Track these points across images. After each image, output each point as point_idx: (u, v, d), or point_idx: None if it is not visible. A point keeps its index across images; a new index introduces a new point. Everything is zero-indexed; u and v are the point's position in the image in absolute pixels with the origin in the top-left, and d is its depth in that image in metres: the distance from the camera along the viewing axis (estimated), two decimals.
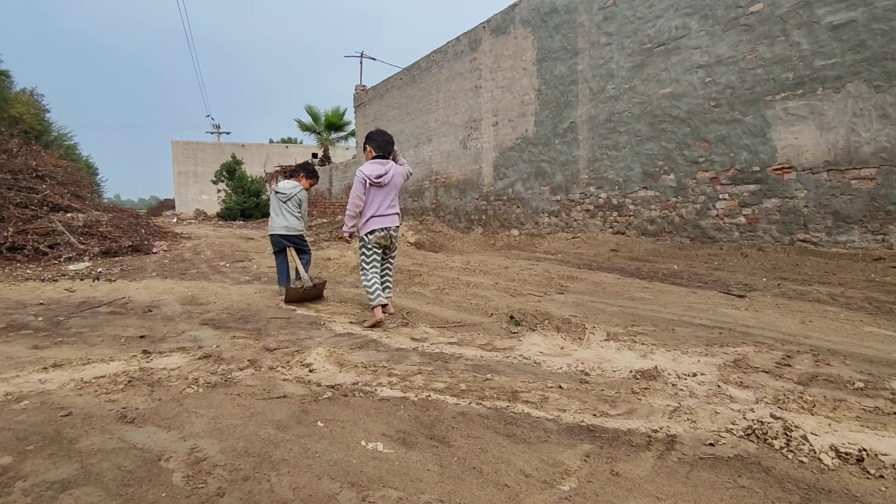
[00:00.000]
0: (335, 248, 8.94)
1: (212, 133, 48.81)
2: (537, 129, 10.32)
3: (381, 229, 4.07)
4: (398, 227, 4.24)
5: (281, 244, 5.22)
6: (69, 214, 10.21)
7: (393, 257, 4.37)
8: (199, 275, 6.84)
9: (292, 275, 5.16)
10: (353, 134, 28.05)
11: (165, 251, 10.60)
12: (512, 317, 3.79)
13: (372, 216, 4.06)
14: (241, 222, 25.81)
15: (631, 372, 2.70)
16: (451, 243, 8.89)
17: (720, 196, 7.04)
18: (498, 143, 11.53)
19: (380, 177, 4.04)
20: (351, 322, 3.97)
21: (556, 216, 10.00)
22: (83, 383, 2.69)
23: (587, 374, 2.73)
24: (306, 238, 5.55)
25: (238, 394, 2.51)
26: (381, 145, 4.18)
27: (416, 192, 15.15)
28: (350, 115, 28.60)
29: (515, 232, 10.65)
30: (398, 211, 4.24)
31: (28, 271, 7.64)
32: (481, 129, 12.10)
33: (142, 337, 3.62)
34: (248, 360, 3.02)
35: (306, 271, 5.06)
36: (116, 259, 9.15)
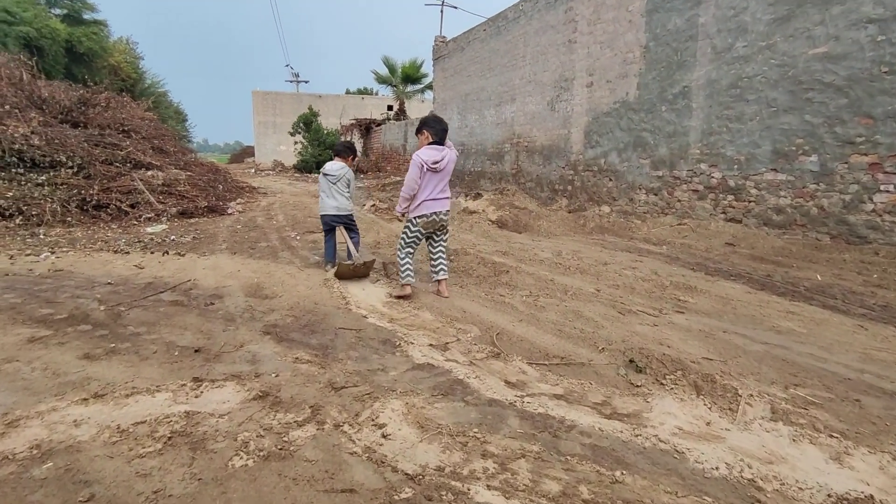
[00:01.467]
0: None
1: (291, 82, 49.34)
2: (640, 92, 9.02)
3: (432, 213, 4.25)
4: (448, 211, 4.40)
5: (331, 224, 5.41)
6: (150, 172, 10.25)
7: (445, 240, 4.55)
8: (269, 250, 6.47)
9: (344, 253, 5.39)
10: (430, 87, 27.08)
11: (240, 212, 10.47)
12: (632, 360, 3.01)
13: (424, 200, 4.24)
14: (316, 175, 25.99)
15: (830, 497, 1.89)
16: (536, 222, 8.03)
17: (881, 187, 5.70)
18: (591, 107, 10.30)
19: (436, 163, 4.20)
20: (431, 345, 3.34)
21: (655, 194, 8.83)
22: (119, 433, 2.24)
23: (760, 488, 1.95)
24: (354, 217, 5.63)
25: (294, 478, 1.95)
26: (437, 133, 4.33)
27: (496, 156, 14.20)
28: (427, 68, 27.57)
29: (606, 209, 9.58)
30: (449, 195, 4.41)
31: (109, 233, 7.65)
32: (572, 90, 10.87)
33: (196, 351, 3.18)
34: (311, 408, 2.47)
35: (356, 250, 5.28)
36: (192, 221, 9.08)
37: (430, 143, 4.30)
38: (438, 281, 4.46)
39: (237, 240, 7.21)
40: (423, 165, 4.17)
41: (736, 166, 7.36)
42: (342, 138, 27.99)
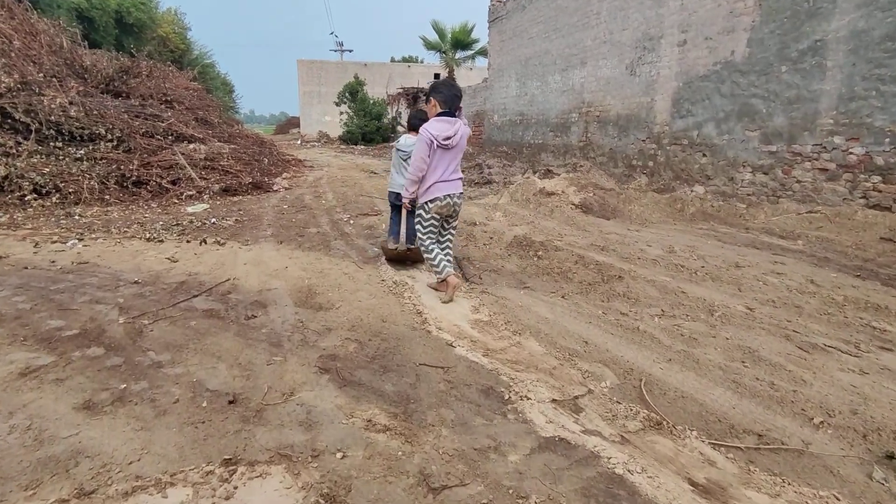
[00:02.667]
0: (477, 204, 7.30)
1: (335, 51, 48.49)
2: (751, 50, 7.55)
3: (446, 196, 3.66)
4: (461, 193, 3.82)
5: (396, 203, 4.63)
6: (192, 146, 9.54)
7: (454, 227, 3.96)
8: (319, 238, 5.59)
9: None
10: (482, 52, 25.56)
11: (286, 189, 9.69)
12: (892, 455, 1.93)
13: (436, 182, 3.64)
14: (362, 147, 25.17)
15: None
16: (626, 206, 6.83)
17: None
18: (683, 70, 8.85)
19: (448, 138, 3.58)
20: (554, 400, 2.33)
21: (765, 173, 7.44)
22: None
23: None
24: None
25: None
26: (447, 99, 3.68)
27: (560, 126, 12.86)
28: (478, 33, 26.01)
29: (700, 189, 8.25)
30: (461, 176, 3.84)
31: (147, 213, 6.98)
32: (659, 51, 9.41)
33: (231, 402, 2.30)
34: None
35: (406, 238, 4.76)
36: (235, 200, 8.34)
37: (439, 114, 3.67)
38: (447, 277, 3.67)
39: (284, 224, 6.37)
40: (432, 142, 3.56)
41: (888, 140, 5.92)
42: (389, 108, 26.93)
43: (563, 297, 3.73)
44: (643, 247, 4.97)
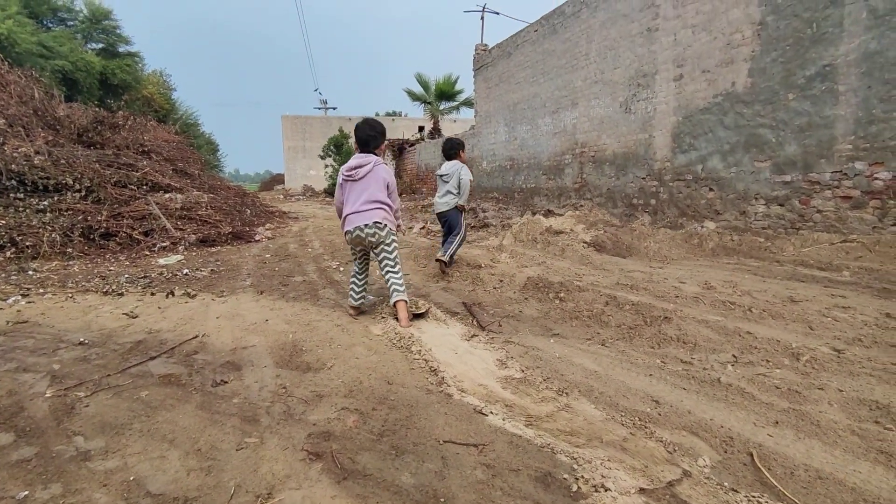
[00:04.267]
0: (478, 246, 6.71)
1: (319, 108, 49.15)
2: (754, 80, 7.30)
3: (355, 229, 3.62)
4: (375, 223, 3.60)
5: (441, 220, 5.53)
6: (168, 195, 8.93)
7: (388, 258, 3.69)
8: (306, 287, 4.92)
9: (450, 249, 5.20)
10: (467, 103, 25.83)
11: (269, 238, 9.05)
12: None
13: (346, 215, 3.68)
14: None
15: None
16: (641, 243, 6.29)
17: None
18: (682, 104, 8.60)
19: (351, 170, 3.69)
20: (644, 490, 1.65)
21: (780, 205, 7.01)
22: None
23: None
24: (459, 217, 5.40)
25: None
26: (359, 140, 3.79)
27: (553, 169, 12.54)
28: (462, 83, 26.41)
29: (711, 224, 7.78)
30: (379, 207, 3.63)
31: (113, 266, 6.26)
32: (654, 87, 9.20)
33: None
34: None
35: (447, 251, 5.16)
36: (213, 250, 7.66)
37: (358, 152, 3.81)
38: (394, 304, 3.60)
39: (265, 273, 5.69)
40: (340, 177, 3.76)
41: None
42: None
43: (602, 344, 3.08)
44: (675, 284, 4.38)
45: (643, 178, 9.58)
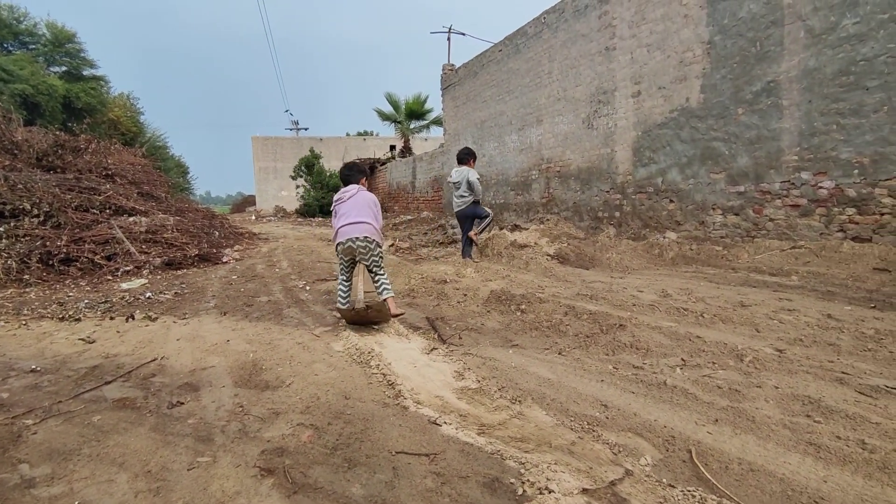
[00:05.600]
0: (445, 262, 6.78)
1: (290, 129, 49.02)
2: (706, 95, 7.62)
3: (347, 240, 4.15)
4: (366, 238, 4.15)
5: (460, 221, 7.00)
6: (132, 219, 8.78)
7: (379, 267, 4.24)
8: (270, 308, 4.90)
9: (481, 225, 6.91)
10: (436, 122, 26.10)
11: (237, 260, 8.95)
12: None
13: (338, 228, 4.24)
14: (320, 219, 24.69)
15: None
16: (604, 255, 6.44)
17: None
18: (640, 119, 8.90)
19: (338, 197, 4.40)
20: (587, 491, 1.70)
21: (735, 214, 7.29)
22: None
23: None
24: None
25: None
26: (343, 179, 4.59)
27: (521, 185, 12.76)
28: (431, 102, 26.74)
29: (672, 235, 8.03)
30: (366, 222, 4.20)
31: (73, 291, 6.11)
32: (614, 103, 9.50)
33: None
34: None
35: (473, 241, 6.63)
36: (179, 273, 7.53)
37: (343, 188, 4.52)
38: (384, 300, 4.12)
39: (230, 294, 5.64)
40: (333, 206, 4.46)
41: (857, 171, 5.84)
42: None
43: (559, 353, 3.16)
44: (634, 293, 4.51)
45: (607, 192, 9.83)
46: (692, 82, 7.83)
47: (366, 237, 4.14)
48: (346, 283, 4.32)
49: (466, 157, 7.02)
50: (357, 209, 4.24)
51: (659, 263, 6.32)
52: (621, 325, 3.40)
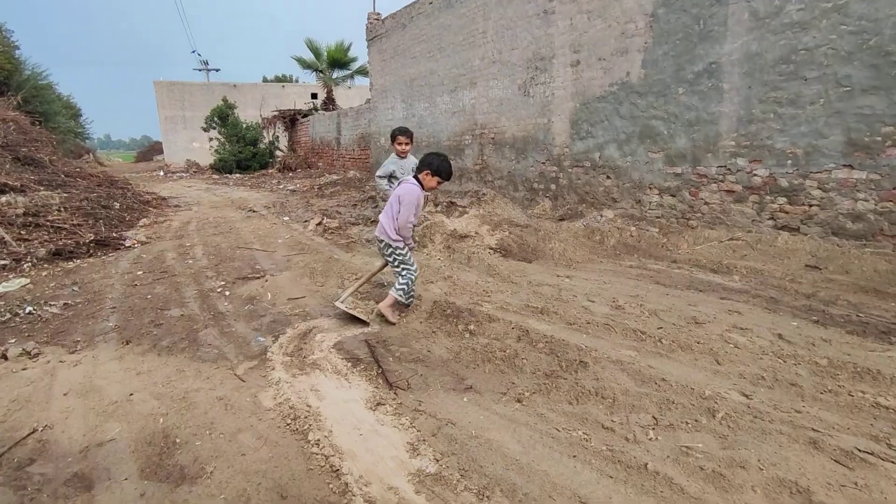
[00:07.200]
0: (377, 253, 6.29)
1: (200, 70, 44.73)
2: (647, 71, 7.42)
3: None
4: (377, 237, 4.18)
5: None
6: (4, 198, 7.48)
7: (394, 266, 4.18)
8: (183, 326, 4.26)
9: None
10: (361, 71, 24.63)
11: (143, 243, 7.95)
12: None
13: None
14: (238, 175, 22.97)
15: None
16: (547, 245, 6.21)
17: None
18: (579, 91, 8.61)
19: None
20: None
21: (672, 195, 7.31)
22: None
23: None
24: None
25: None
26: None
27: (453, 150, 12.27)
28: (356, 50, 25.10)
29: (609, 213, 7.97)
30: (381, 219, 4.14)
31: None
32: (552, 71, 9.12)
33: None
34: None
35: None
36: (70, 266, 6.54)
37: None
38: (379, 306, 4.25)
39: (135, 304, 4.89)
40: None
41: (790, 161, 5.91)
42: (265, 132, 24.99)
43: (518, 400, 2.88)
44: (585, 303, 4.32)
45: (543, 163, 9.61)
46: (633, 56, 7.58)
47: (376, 237, 4.19)
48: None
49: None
50: (387, 204, 4.16)
51: (601, 253, 6.20)
52: (582, 363, 3.17)
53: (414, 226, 4.18)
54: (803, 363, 3.14)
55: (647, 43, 7.36)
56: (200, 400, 3.01)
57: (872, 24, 5.09)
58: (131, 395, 3.09)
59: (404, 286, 4.10)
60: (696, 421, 2.56)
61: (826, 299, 4.31)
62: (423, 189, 4.06)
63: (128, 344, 3.91)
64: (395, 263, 4.13)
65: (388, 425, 2.68)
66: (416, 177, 4.07)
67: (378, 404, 2.88)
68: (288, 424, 2.72)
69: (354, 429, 2.66)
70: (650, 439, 2.45)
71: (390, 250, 4.11)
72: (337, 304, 4.28)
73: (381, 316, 4.14)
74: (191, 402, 2.98)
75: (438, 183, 4.05)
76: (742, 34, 6.19)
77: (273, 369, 3.41)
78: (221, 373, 3.38)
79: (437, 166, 3.98)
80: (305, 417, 2.75)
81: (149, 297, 5.14)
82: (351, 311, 4.18)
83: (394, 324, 4.05)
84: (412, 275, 4.12)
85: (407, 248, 4.14)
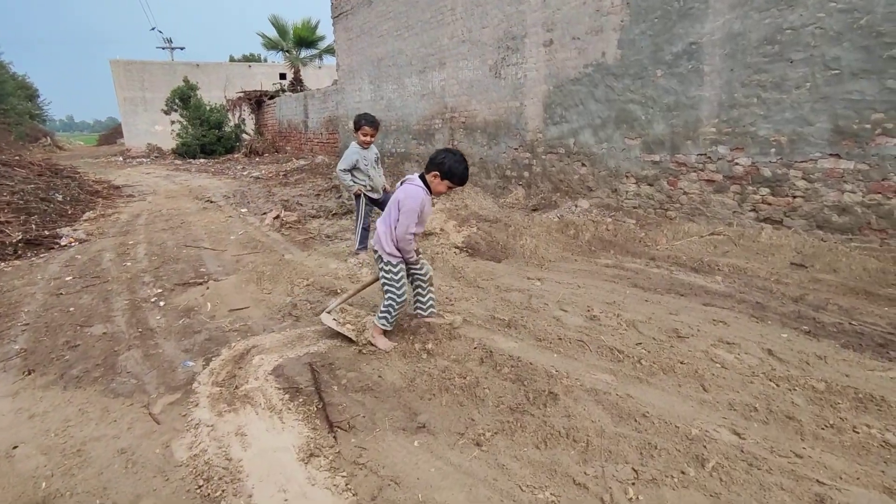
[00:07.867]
0: (336, 253, 5.77)
1: (163, 48, 42.82)
2: (623, 52, 6.96)
3: None
4: (373, 248, 3.56)
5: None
6: None
7: (384, 282, 3.50)
8: (102, 348, 3.73)
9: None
10: (329, 51, 23.67)
11: (81, 242, 7.28)
12: None
13: None
14: (202, 160, 21.98)
15: None
16: (517, 241, 5.77)
17: None
18: (553, 73, 8.13)
19: None
20: None
21: (650, 184, 6.93)
22: None
23: None
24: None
25: None
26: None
27: (423, 134, 11.72)
28: (324, 29, 24.08)
29: (584, 203, 7.57)
30: (377, 227, 3.50)
31: None
32: (524, 51, 8.61)
33: None
34: None
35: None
36: None
37: None
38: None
39: (51, 320, 4.32)
40: None
41: (773, 150, 5.56)
42: (230, 115, 23.95)
43: (477, 443, 2.47)
44: (557, 312, 3.91)
45: (516, 149, 9.16)
46: (609, 35, 7.12)
47: (372, 246, 3.66)
48: (416, 293, 3.75)
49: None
50: (385, 210, 3.51)
51: (575, 250, 5.80)
52: (552, 394, 2.75)
53: (416, 236, 3.46)
54: (798, 388, 2.78)
55: (623, 21, 6.89)
56: (98, 454, 2.51)
57: (864, 2, 4.71)
58: (14, 448, 2.58)
59: (386, 314, 3.48)
60: (682, 474, 2.17)
61: (815, 304, 3.98)
62: (431, 193, 3.36)
63: (30, 374, 3.37)
64: (383, 283, 3.50)
65: (319, 485, 2.24)
66: (422, 177, 3.35)
67: (311, 455, 2.43)
68: (199, 487, 2.25)
69: (280, 491, 2.21)
70: (630, 500, 2.05)
71: (381, 264, 3.47)
72: (322, 317, 3.75)
73: (373, 346, 3.51)
74: (85, 458, 2.48)
75: (449, 188, 3.34)
76: (724, 11, 5.77)
77: (196, 405, 2.92)
78: (133, 412, 2.88)
79: (448, 167, 3.22)
80: (221, 478, 2.28)
81: (71, 309, 4.57)
82: (339, 329, 3.62)
83: (387, 352, 3.43)
84: (396, 301, 3.44)
85: (400, 267, 3.46)
